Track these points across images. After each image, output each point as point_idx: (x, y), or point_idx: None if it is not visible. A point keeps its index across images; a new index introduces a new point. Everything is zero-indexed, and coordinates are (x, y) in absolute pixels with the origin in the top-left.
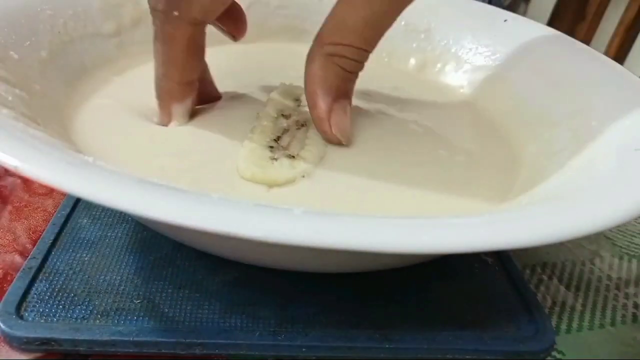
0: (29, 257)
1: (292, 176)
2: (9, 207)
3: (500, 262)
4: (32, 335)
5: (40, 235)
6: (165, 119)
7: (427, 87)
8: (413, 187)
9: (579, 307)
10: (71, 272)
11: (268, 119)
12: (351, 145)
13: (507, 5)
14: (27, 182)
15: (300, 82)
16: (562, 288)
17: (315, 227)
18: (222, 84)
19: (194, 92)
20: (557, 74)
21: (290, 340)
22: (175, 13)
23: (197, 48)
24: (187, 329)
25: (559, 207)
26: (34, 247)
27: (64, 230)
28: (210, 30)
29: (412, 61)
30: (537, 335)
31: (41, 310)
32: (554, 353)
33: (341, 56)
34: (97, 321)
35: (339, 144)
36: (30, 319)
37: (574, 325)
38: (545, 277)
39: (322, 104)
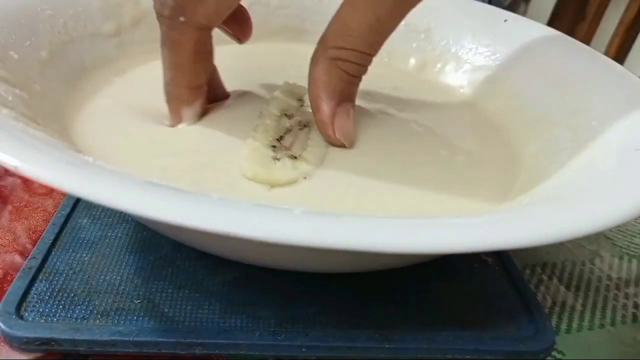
0: (29, 257)
1: (294, 177)
2: (9, 207)
3: (500, 262)
4: (32, 335)
5: (40, 235)
6: (175, 123)
7: (427, 87)
8: (413, 187)
9: (579, 307)
10: (71, 272)
11: (271, 117)
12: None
13: (507, 5)
14: (27, 182)
15: (300, 82)
16: (562, 288)
17: (315, 227)
18: None
19: (203, 96)
20: (557, 74)
21: (290, 340)
22: (181, 19)
23: (204, 52)
24: (187, 329)
25: (559, 207)
26: (34, 247)
27: (64, 230)
28: None
29: (412, 61)
30: (537, 335)
31: (41, 310)
32: (554, 353)
33: (345, 60)
34: (97, 321)
35: (342, 146)
36: (30, 319)
37: (574, 325)
38: (545, 277)
39: (326, 108)
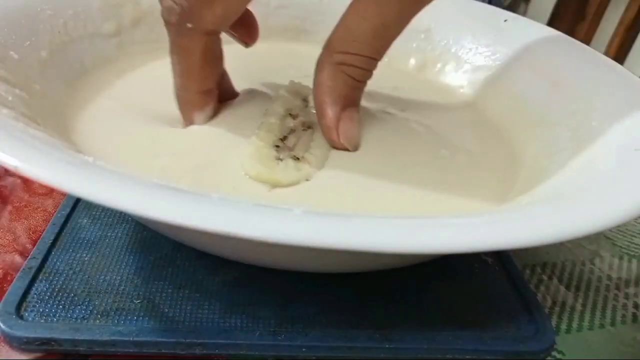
0: (29, 257)
1: (296, 179)
2: (9, 207)
3: (500, 262)
4: (32, 335)
5: (40, 235)
6: (188, 127)
7: (427, 87)
8: (413, 187)
9: (579, 307)
10: (71, 272)
11: (276, 116)
12: None
13: (507, 5)
14: (27, 182)
15: (301, 81)
16: (562, 288)
17: (315, 227)
18: None
19: (214, 99)
20: (557, 74)
21: (290, 340)
22: (189, 25)
23: (213, 57)
24: (187, 329)
25: (559, 207)
26: (34, 247)
27: (64, 230)
28: None
29: (412, 61)
30: (537, 335)
31: (41, 310)
32: (554, 353)
33: (350, 65)
34: (97, 321)
35: (345, 150)
36: (30, 319)
37: (574, 325)
38: (545, 277)
39: (331, 113)
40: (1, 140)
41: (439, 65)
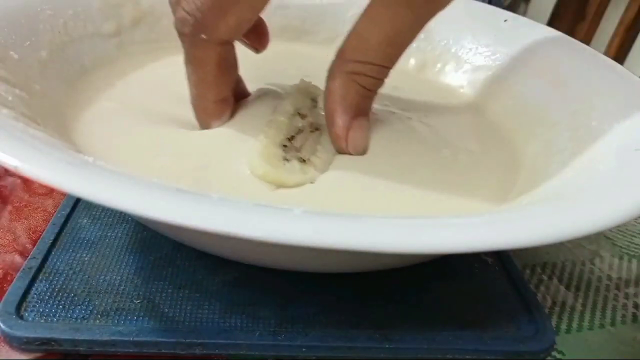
0: (29, 257)
1: (301, 181)
2: (9, 207)
3: (500, 262)
4: (32, 335)
5: (40, 235)
6: None
7: (427, 87)
8: (413, 187)
9: (579, 307)
10: (71, 272)
11: (285, 115)
12: None
13: (507, 5)
14: (27, 182)
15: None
16: (562, 288)
17: (315, 227)
18: None
19: (230, 107)
20: (557, 74)
21: (290, 340)
22: (203, 36)
23: (227, 66)
24: (187, 329)
25: (559, 207)
26: (34, 247)
27: (64, 230)
28: None
29: (412, 61)
30: (537, 335)
31: (41, 310)
32: (554, 353)
33: (363, 74)
34: (97, 321)
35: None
36: (30, 319)
37: (574, 325)
38: (545, 277)
39: (341, 122)
40: (1, 140)
41: (439, 65)
